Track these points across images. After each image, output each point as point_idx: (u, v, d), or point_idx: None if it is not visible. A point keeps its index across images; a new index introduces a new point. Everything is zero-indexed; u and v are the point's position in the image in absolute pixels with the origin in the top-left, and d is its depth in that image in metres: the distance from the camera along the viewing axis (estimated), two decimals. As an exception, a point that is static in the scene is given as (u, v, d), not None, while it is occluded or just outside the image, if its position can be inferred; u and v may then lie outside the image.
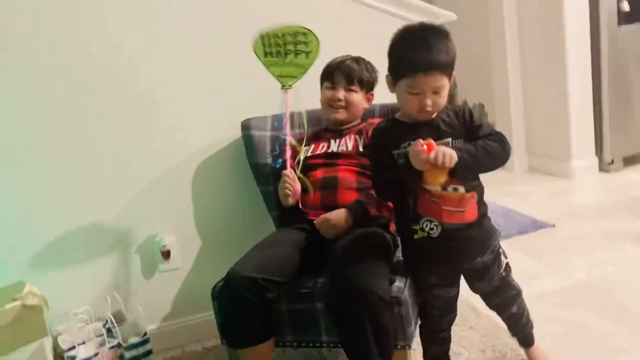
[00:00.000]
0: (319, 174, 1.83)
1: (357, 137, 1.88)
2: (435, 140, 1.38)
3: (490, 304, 1.68)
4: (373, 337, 1.44)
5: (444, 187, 1.41)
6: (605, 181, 3.63)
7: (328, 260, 1.60)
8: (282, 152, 1.84)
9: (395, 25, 2.23)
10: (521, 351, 1.78)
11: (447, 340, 1.69)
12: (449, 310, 1.63)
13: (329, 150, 1.88)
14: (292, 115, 1.85)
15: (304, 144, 1.91)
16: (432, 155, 1.32)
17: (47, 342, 1.80)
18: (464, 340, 1.95)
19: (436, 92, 1.40)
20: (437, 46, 1.37)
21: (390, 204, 1.73)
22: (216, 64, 2.11)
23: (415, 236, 1.48)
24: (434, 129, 1.45)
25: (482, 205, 1.50)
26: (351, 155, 1.84)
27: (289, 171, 1.80)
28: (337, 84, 1.89)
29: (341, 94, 1.88)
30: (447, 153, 1.33)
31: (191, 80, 2.09)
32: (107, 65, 1.99)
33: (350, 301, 1.44)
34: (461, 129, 1.45)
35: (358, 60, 1.92)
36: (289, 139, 1.82)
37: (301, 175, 1.82)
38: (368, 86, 1.94)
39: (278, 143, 1.86)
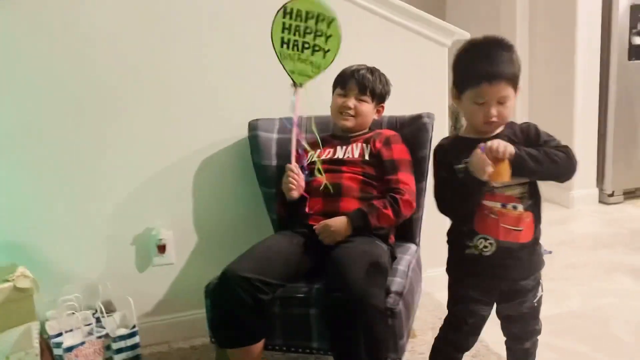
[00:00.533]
0: (323, 180, 1.82)
1: (363, 145, 1.87)
2: None
3: (508, 332, 1.63)
4: (365, 346, 1.43)
5: (504, 205, 1.41)
6: (604, 213, 3.63)
7: (326, 267, 1.59)
8: (295, 150, 1.83)
9: (412, 40, 2.27)
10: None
11: None
12: (477, 330, 1.58)
13: (335, 157, 1.87)
14: (301, 118, 1.85)
15: (320, 145, 1.92)
16: (488, 143, 1.32)
17: (35, 327, 1.78)
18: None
19: (501, 102, 1.39)
20: (500, 57, 1.38)
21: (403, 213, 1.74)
22: (227, 63, 2.11)
23: (467, 251, 1.47)
24: None
25: (537, 229, 1.49)
26: (356, 163, 1.83)
27: (293, 165, 1.80)
28: (349, 92, 1.89)
29: (352, 102, 1.88)
30: (502, 143, 1.33)
31: (200, 77, 2.09)
32: (114, 59, 1.99)
33: (346, 309, 1.43)
34: (525, 145, 1.42)
35: (373, 71, 1.92)
36: (296, 136, 1.82)
37: (321, 176, 1.81)
38: (379, 98, 1.94)
39: (301, 147, 1.86)
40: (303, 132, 1.91)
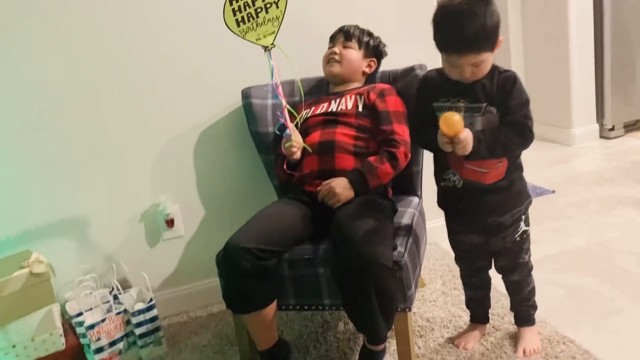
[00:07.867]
0: (316, 137, 1.82)
1: (357, 97, 1.88)
2: (470, 103, 1.44)
3: (497, 264, 1.70)
4: (378, 303, 1.47)
5: None
6: (606, 147, 3.63)
7: (332, 229, 1.60)
8: (282, 116, 1.83)
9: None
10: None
11: (480, 287, 1.74)
12: (475, 256, 1.68)
13: (329, 110, 1.88)
14: (288, 82, 1.85)
15: (302, 111, 1.92)
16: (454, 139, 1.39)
17: (55, 309, 1.84)
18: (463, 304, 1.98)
19: (475, 65, 1.41)
20: (469, 26, 1.34)
21: (389, 169, 1.73)
22: (215, 31, 2.07)
23: (442, 184, 1.57)
24: (472, 92, 1.46)
25: (513, 171, 1.52)
26: (349, 114, 1.83)
27: (291, 130, 1.81)
28: (336, 42, 1.98)
29: (338, 48, 1.95)
30: (463, 145, 1.38)
31: (192, 48, 2.08)
32: (106, 36, 1.99)
33: (356, 270, 1.45)
34: (498, 98, 1.45)
35: (363, 29, 1.98)
36: (285, 103, 1.81)
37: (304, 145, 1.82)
38: (368, 50, 1.96)
39: (279, 110, 1.85)
40: (295, 97, 1.92)
